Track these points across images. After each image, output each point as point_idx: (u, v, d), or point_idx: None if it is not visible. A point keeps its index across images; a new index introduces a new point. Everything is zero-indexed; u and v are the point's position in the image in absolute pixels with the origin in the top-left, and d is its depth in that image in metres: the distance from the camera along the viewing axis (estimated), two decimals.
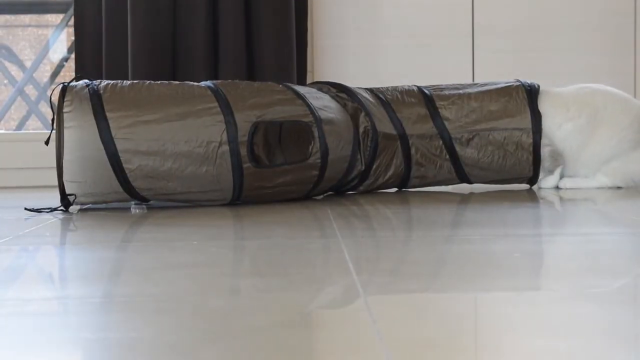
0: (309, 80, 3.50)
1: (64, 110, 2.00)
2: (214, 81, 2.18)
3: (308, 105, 2.15)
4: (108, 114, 2.00)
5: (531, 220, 1.86)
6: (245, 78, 2.93)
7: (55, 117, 2.04)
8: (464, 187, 2.49)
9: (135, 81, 2.13)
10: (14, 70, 4.18)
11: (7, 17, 4.47)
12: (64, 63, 4.19)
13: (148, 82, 2.13)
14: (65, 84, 2.05)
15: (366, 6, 3.57)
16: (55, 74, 4.03)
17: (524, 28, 3.58)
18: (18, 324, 0.98)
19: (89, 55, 2.96)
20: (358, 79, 3.56)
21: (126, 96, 2.04)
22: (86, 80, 2.09)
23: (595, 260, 1.32)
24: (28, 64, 4.15)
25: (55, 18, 4.33)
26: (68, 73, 3.98)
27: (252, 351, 0.85)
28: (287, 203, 2.14)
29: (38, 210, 2.02)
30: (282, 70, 3.01)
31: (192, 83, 2.16)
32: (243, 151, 2.05)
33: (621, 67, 3.61)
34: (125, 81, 2.12)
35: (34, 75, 4.03)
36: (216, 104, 2.06)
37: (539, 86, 2.54)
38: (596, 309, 1.00)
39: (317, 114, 2.15)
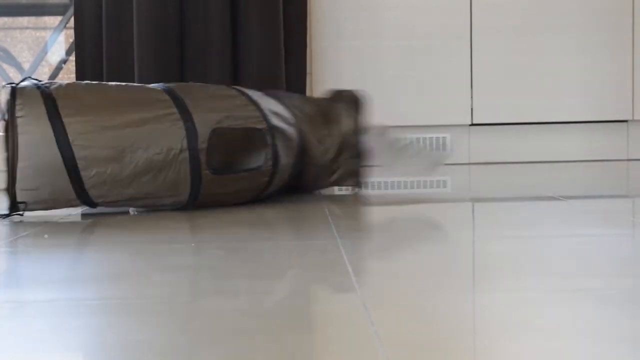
0: (308, 83, 3.50)
1: (17, 115, 1.91)
2: (168, 84, 2.13)
3: (261, 112, 2.15)
4: (65, 120, 1.93)
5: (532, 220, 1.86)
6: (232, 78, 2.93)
7: (8, 120, 1.93)
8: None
9: (88, 82, 2.07)
10: (12, 72, 4.18)
11: (5, 19, 4.47)
12: (62, 65, 4.19)
13: (103, 84, 2.07)
14: (14, 85, 1.96)
15: (365, 8, 3.56)
16: (53, 76, 4.03)
17: (522, 29, 3.58)
18: (11, 326, 0.98)
19: (89, 57, 2.95)
20: (356, 81, 3.56)
21: (83, 100, 1.98)
22: (34, 81, 2.01)
23: (592, 260, 1.32)
24: (26, 66, 4.15)
25: (54, 20, 4.33)
26: (66, 75, 3.97)
27: (248, 353, 0.84)
28: (244, 205, 2.14)
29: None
30: (270, 72, 2.98)
31: (148, 86, 2.12)
32: (202, 158, 2.01)
33: (619, 67, 3.60)
34: (77, 82, 2.05)
35: (32, 75, 4.03)
36: (175, 109, 2.02)
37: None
38: (594, 310, 1.00)
39: (270, 121, 2.15)
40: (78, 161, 1.92)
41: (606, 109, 3.63)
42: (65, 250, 1.58)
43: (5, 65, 4.12)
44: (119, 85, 2.09)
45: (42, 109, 1.92)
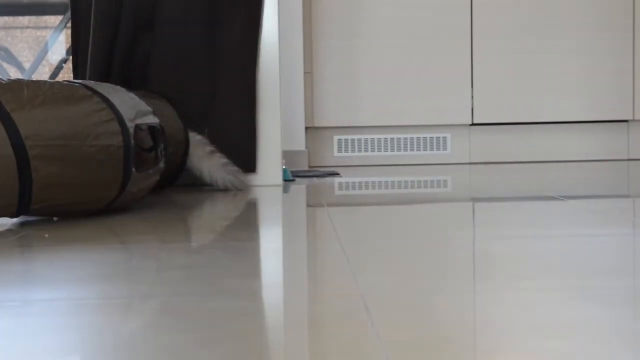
0: (308, 82, 3.50)
1: None
2: (84, 81, 2.02)
3: (153, 112, 2.11)
4: (13, 115, 1.76)
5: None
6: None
7: None
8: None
9: (18, 79, 1.93)
10: (12, 71, 4.18)
11: (6, 18, 4.47)
12: (63, 65, 4.19)
13: (30, 80, 1.94)
14: None
15: (365, 7, 3.56)
16: (54, 75, 4.03)
17: (523, 29, 3.57)
18: (17, 325, 0.98)
19: (83, 55, 2.90)
20: (356, 79, 3.56)
21: (22, 95, 1.80)
22: None
23: (593, 260, 1.32)
24: (27, 65, 4.15)
25: (54, 19, 4.33)
26: (67, 74, 3.98)
27: (250, 353, 0.84)
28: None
29: None
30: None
31: (68, 82, 1.98)
32: (132, 155, 1.93)
33: (620, 67, 3.60)
34: (6, 79, 1.91)
35: (32, 76, 4.03)
36: (104, 104, 1.92)
37: None
38: (594, 309, 1.00)
39: (157, 120, 2.10)
40: (31, 160, 1.76)
41: (607, 109, 3.63)
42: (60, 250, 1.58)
43: (5, 65, 4.12)
44: (49, 81, 1.95)
45: None
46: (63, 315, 1.03)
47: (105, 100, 1.95)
